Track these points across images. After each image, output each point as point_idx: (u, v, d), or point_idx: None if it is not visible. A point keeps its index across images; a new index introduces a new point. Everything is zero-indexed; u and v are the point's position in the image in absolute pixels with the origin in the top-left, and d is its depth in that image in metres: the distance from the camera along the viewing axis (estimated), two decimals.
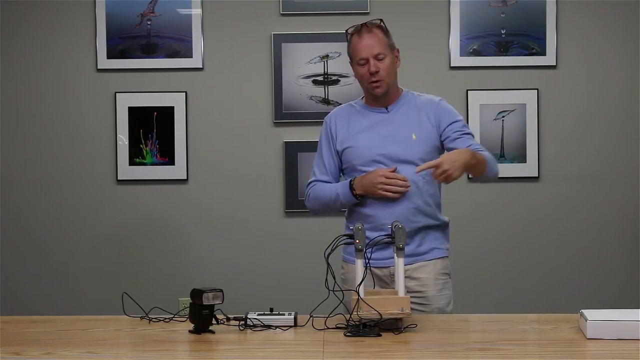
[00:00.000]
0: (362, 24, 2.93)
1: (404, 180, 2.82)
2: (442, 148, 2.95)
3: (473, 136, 2.96)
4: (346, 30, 2.97)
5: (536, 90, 4.30)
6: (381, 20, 2.95)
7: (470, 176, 4.28)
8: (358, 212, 2.93)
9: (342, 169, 3.03)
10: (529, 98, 4.30)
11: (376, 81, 2.89)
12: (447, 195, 3.11)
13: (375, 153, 2.89)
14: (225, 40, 4.34)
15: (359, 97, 3.08)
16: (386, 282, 2.87)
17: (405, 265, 2.80)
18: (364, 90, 2.99)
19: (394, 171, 2.85)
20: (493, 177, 2.96)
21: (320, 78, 4.32)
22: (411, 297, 2.81)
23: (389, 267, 2.83)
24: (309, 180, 3.06)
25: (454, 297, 3.00)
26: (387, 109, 2.96)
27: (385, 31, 2.94)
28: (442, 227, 2.99)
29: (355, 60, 2.92)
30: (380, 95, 2.92)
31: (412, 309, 2.76)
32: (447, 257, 2.99)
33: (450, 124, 2.91)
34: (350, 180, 2.90)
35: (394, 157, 2.87)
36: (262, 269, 4.33)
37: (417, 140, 2.89)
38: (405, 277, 2.84)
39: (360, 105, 3.02)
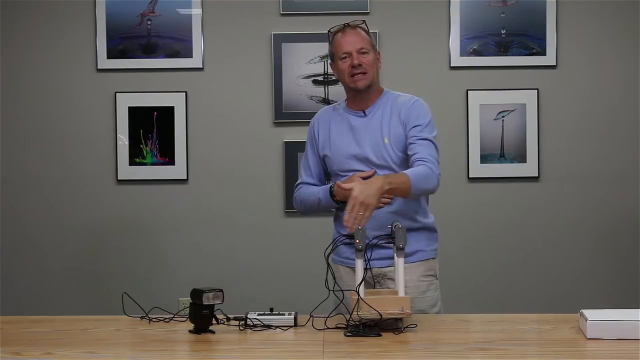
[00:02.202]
0: (345, 24, 2.94)
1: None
2: None
3: (431, 141, 2.84)
4: (329, 30, 2.96)
5: (536, 90, 4.30)
6: (364, 21, 2.95)
7: (470, 176, 4.29)
8: (341, 216, 2.90)
9: (326, 171, 3.05)
10: (529, 98, 4.30)
11: (359, 73, 2.87)
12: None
13: (351, 159, 2.89)
14: (225, 40, 4.34)
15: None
16: (370, 283, 2.82)
17: (387, 267, 2.81)
18: (346, 89, 2.97)
19: (372, 175, 2.82)
20: (428, 193, 2.87)
21: (320, 78, 4.32)
22: None
23: (372, 268, 2.79)
24: (296, 183, 3.08)
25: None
26: (364, 112, 2.94)
27: (368, 32, 2.94)
28: (427, 229, 2.96)
29: (337, 55, 2.91)
30: (362, 88, 2.89)
31: None
32: (433, 258, 2.97)
33: (412, 127, 2.86)
34: (331, 187, 2.90)
35: (369, 163, 2.87)
36: (262, 269, 4.33)
37: (389, 144, 2.87)
38: (388, 278, 2.85)
39: (342, 108, 3.00)
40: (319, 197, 2.94)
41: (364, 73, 2.88)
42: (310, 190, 2.99)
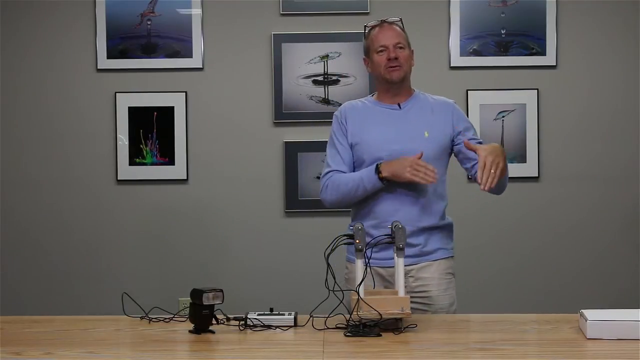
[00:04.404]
0: (382, 20, 3.00)
1: (433, 172, 2.75)
2: (450, 149, 2.97)
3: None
4: (365, 25, 3.01)
5: (536, 90, 4.30)
6: (400, 19, 3.02)
7: (469, 176, 4.28)
8: (365, 208, 2.90)
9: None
10: (529, 98, 4.30)
11: (394, 66, 2.90)
12: (448, 195, 3.11)
13: (388, 148, 2.86)
14: (225, 40, 4.34)
15: (364, 96, 3.09)
16: (391, 282, 2.84)
17: (410, 265, 2.82)
18: (378, 81, 2.99)
19: (420, 157, 2.79)
20: (499, 190, 2.93)
21: (320, 78, 4.32)
22: (415, 296, 2.82)
23: (390, 267, 2.80)
24: (325, 172, 2.97)
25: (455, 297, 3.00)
26: (399, 106, 2.96)
27: (403, 29, 3.00)
28: (447, 228, 2.99)
29: (373, 48, 2.94)
30: (397, 79, 2.91)
31: (415, 309, 2.76)
32: (452, 257, 3.00)
33: (466, 131, 2.95)
34: (377, 164, 2.84)
35: (405, 154, 2.83)
36: (262, 269, 4.33)
37: (429, 138, 2.89)
38: (410, 276, 2.85)
39: (371, 102, 3.02)
40: (361, 177, 2.85)
41: (400, 66, 2.91)
42: (347, 175, 2.91)
